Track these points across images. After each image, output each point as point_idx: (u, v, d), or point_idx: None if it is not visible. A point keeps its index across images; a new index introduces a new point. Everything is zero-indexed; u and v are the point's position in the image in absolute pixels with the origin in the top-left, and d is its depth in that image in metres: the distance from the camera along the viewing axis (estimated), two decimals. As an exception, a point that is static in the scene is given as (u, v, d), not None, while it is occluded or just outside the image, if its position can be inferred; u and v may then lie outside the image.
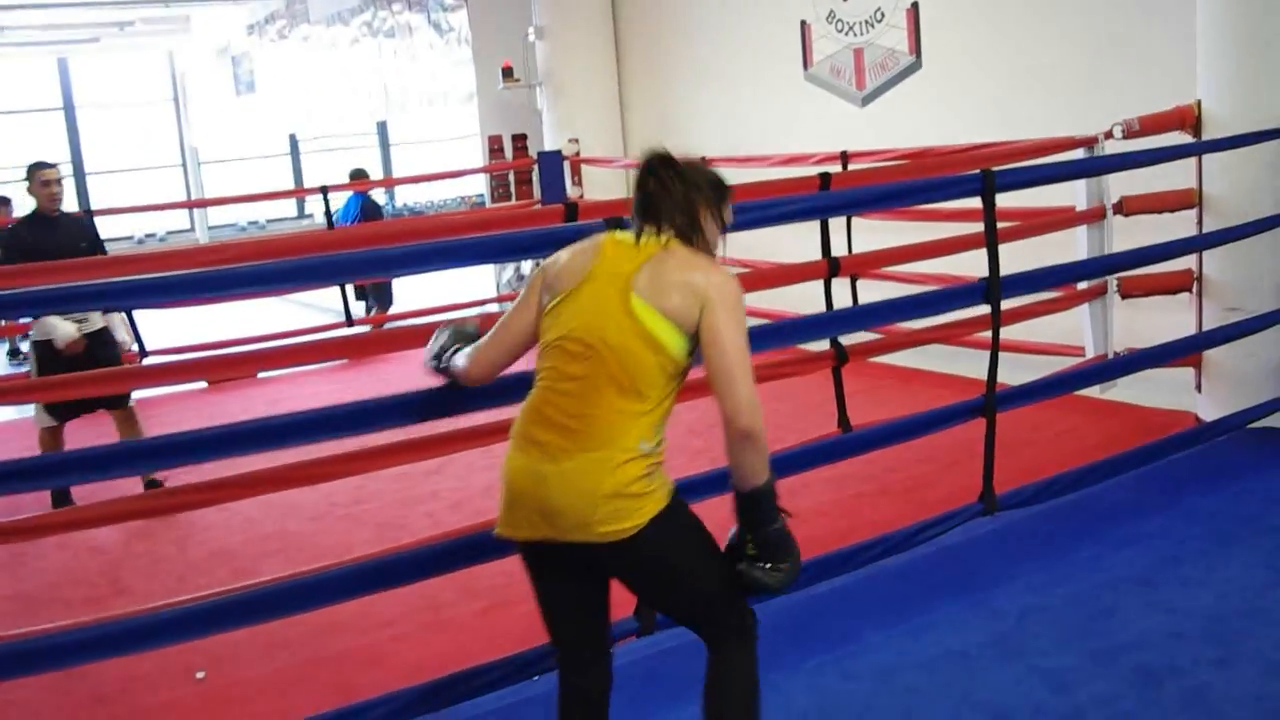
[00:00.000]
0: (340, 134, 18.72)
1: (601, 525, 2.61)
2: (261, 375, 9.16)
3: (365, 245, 4.40)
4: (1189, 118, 5.93)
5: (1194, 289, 6.09)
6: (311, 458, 4.07)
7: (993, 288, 4.77)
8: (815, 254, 5.61)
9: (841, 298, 6.23)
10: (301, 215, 17.04)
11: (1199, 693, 3.61)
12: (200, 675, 4.23)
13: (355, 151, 18.40)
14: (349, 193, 11.21)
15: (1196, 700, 3.57)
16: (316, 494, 5.89)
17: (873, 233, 7.63)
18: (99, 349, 6.14)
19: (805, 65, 9.13)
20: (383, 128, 18.82)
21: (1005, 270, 4.85)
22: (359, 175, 11.71)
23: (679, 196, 2.75)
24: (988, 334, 4.89)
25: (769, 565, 2.72)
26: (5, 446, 7.50)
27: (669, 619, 2.97)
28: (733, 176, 8.30)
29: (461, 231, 4.40)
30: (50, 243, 6.02)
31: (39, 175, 6.27)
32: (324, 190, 10.31)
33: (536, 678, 3.85)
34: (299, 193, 12.44)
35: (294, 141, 18.81)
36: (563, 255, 2.84)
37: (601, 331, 2.65)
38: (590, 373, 2.65)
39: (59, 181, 6.36)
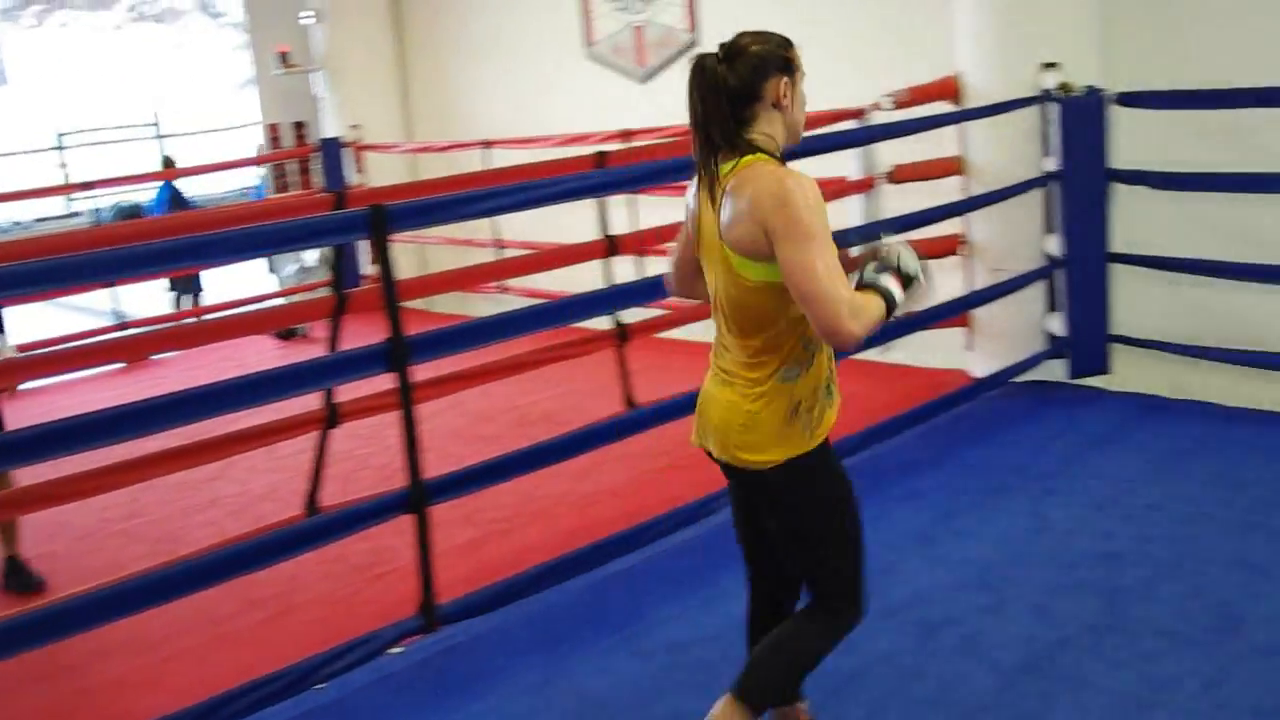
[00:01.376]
0: (110, 126, 17.89)
1: (740, 451, 2.71)
2: (24, 387, 8.56)
3: (126, 242, 4.15)
4: (951, 88, 6.12)
5: (962, 252, 6.30)
6: (76, 471, 3.88)
7: (765, 259, 4.82)
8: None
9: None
10: (70, 214, 16.22)
11: (974, 640, 3.75)
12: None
13: (128, 145, 17.60)
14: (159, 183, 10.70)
15: (972, 647, 3.71)
16: (86, 510, 5.52)
17: (670, 209, 7.66)
18: None
19: (587, 44, 9.11)
20: (156, 118, 18.11)
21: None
22: (170, 164, 11.19)
23: (711, 110, 2.59)
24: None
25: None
26: None
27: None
28: (514, 158, 8.25)
29: (225, 226, 4.22)
30: None
31: None
32: (87, 186, 9.86)
33: (321, 685, 3.74)
34: (66, 189, 11.84)
35: (59, 136, 17.89)
36: (687, 195, 2.84)
37: (720, 290, 2.70)
38: (727, 323, 2.72)
39: None
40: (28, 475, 3.72)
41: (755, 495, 2.82)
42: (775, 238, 2.50)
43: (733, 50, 2.61)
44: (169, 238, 4.09)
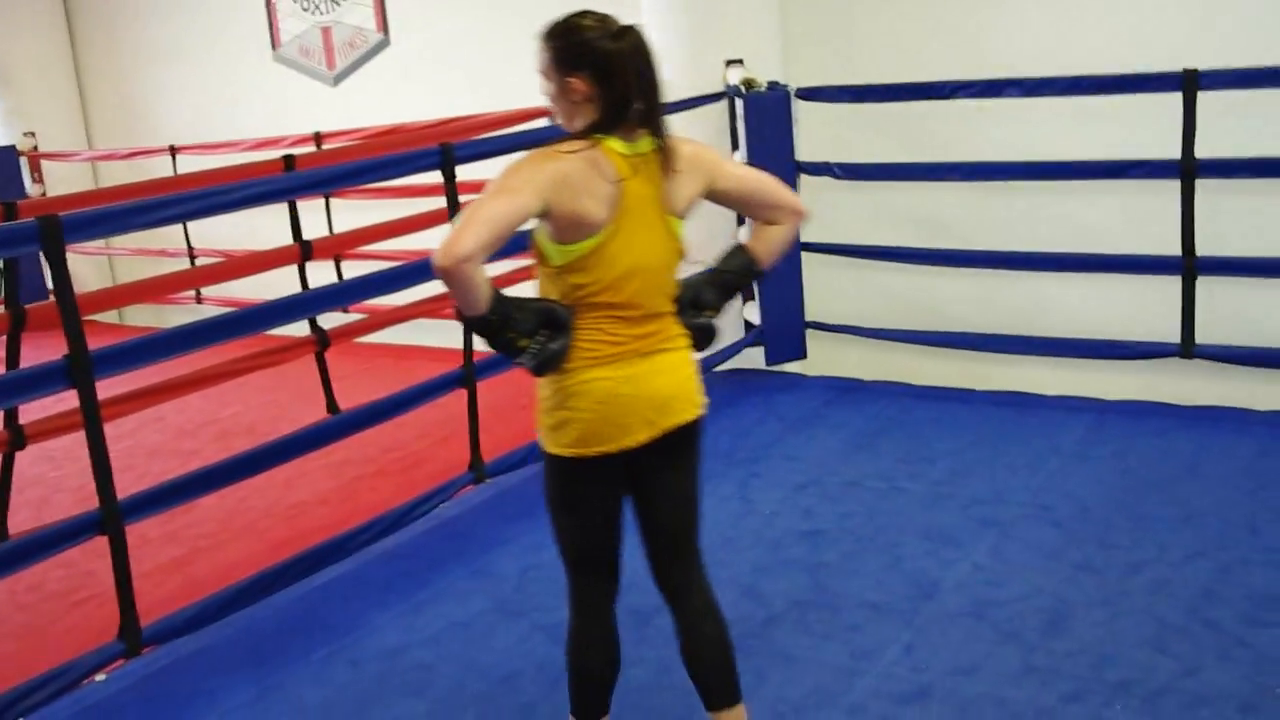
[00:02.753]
0: None
1: (699, 397, 2.80)
2: None
3: None
4: (635, 86, 6.25)
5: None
6: None
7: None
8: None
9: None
10: None
11: (684, 627, 3.83)
12: None
13: None
14: None
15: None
16: None
17: (365, 212, 7.54)
18: None
19: (274, 45, 8.88)
20: None
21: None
22: None
23: (658, 83, 2.69)
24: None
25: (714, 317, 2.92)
26: None
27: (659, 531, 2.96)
28: (202, 163, 7.92)
29: None
30: None
31: None
32: None
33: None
34: None
35: None
36: (564, 170, 2.52)
37: (652, 260, 2.70)
38: (651, 296, 2.72)
39: None
40: None
41: (686, 452, 2.83)
42: (719, 175, 2.82)
43: (632, 28, 2.67)
44: None
